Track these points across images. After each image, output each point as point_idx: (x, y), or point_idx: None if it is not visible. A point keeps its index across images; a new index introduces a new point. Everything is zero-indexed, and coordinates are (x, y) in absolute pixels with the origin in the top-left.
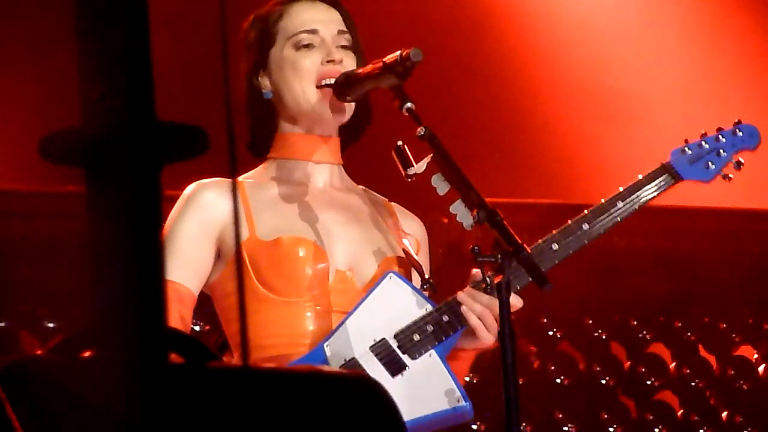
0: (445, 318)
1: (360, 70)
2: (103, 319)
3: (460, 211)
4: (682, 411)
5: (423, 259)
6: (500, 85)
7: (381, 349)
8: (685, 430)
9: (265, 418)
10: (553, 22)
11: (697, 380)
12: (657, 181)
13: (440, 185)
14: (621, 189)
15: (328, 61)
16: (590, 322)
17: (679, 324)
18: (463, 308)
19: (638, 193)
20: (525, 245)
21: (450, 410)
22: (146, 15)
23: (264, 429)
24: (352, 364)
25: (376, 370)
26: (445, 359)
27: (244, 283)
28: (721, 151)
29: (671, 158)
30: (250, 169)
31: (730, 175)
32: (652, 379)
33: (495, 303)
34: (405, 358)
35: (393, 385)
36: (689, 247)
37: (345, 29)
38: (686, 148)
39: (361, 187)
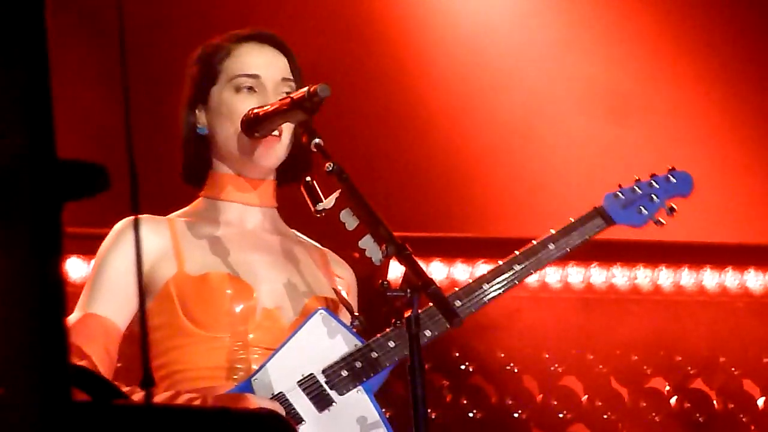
0: (374, 354)
1: (267, 107)
2: (4, 358)
3: (369, 245)
4: None
5: (352, 302)
6: (415, 116)
7: (309, 384)
8: None
9: None
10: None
11: (608, 412)
12: (589, 225)
13: (349, 220)
14: (553, 231)
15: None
16: (502, 355)
17: (591, 357)
18: None
19: (570, 235)
20: (433, 280)
21: None
22: (46, 52)
23: None
24: (279, 398)
25: (303, 404)
26: (372, 395)
27: (154, 318)
28: (654, 196)
29: (604, 202)
30: (177, 204)
31: (662, 221)
32: (565, 412)
33: None
34: (333, 393)
35: (320, 420)
36: (601, 280)
37: (290, 76)
38: (619, 193)
39: (294, 231)
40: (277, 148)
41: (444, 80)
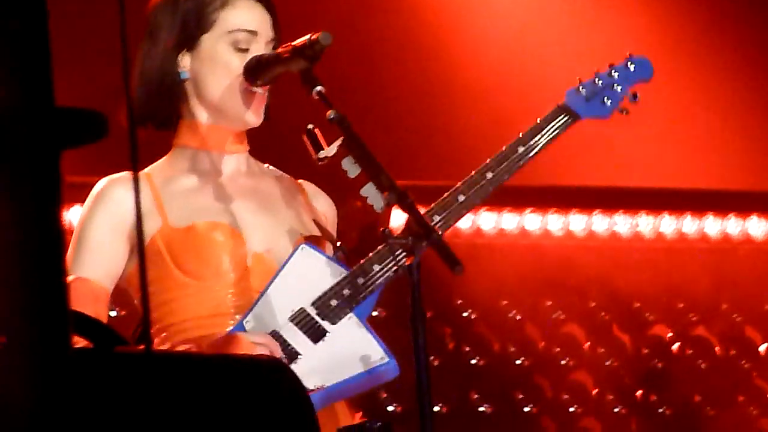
0: (360, 280)
1: (270, 54)
2: (4, 307)
3: (371, 193)
4: (596, 390)
5: (332, 231)
6: (414, 65)
7: (301, 318)
8: (599, 408)
9: (168, 402)
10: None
11: (611, 359)
12: (555, 122)
13: (351, 168)
14: (521, 134)
15: None
16: (505, 303)
17: (594, 304)
18: None
19: (538, 136)
20: (436, 227)
21: (375, 368)
22: (44, 2)
23: (168, 412)
24: (274, 335)
25: (298, 339)
26: (364, 320)
27: (147, 273)
28: (616, 86)
29: (567, 98)
30: (155, 156)
31: (627, 110)
32: (567, 359)
33: None
34: (325, 324)
35: (317, 352)
36: (604, 227)
37: (274, 36)
38: (580, 87)
39: (267, 165)
40: (263, 107)
41: (464, 26)
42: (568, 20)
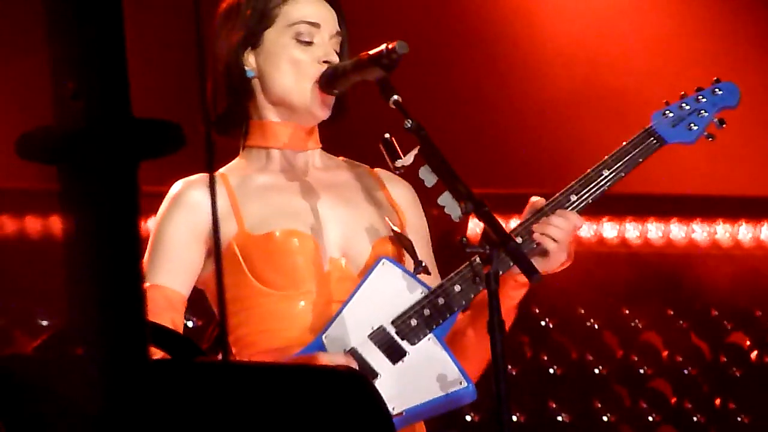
0: (441, 300)
1: (346, 63)
2: (82, 317)
3: (448, 202)
4: (675, 399)
5: (418, 224)
6: (491, 75)
7: (380, 337)
8: (678, 417)
9: (247, 413)
10: (550, 11)
11: (689, 367)
12: (642, 147)
13: (428, 177)
14: (606, 157)
15: (324, 62)
16: (582, 311)
17: (671, 312)
18: (536, 235)
19: (624, 159)
20: (513, 235)
21: (453, 393)
22: (120, 9)
23: (246, 424)
24: (352, 353)
25: (376, 358)
26: (443, 341)
27: (223, 278)
28: (702, 111)
29: (653, 122)
30: (225, 159)
31: (713, 135)
32: (645, 368)
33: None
34: (404, 344)
35: (395, 372)
36: (678, 234)
37: (340, 31)
38: (667, 111)
39: (341, 158)
40: (332, 99)
41: (539, 40)
42: (656, 35)
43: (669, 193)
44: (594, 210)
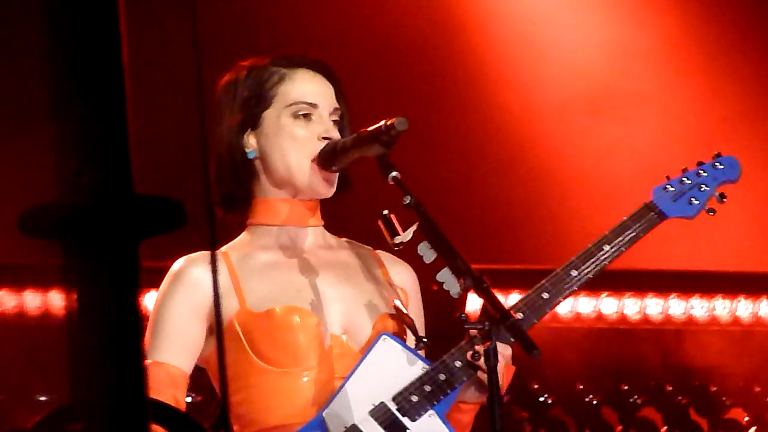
0: (442, 377)
1: (345, 140)
2: (83, 393)
3: (447, 279)
4: None
5: (416, 307)
6: (492, 150)
7: (381, 413)
8: None
9: None
10: (553, 77)
11: None
12: (642, 222)
13: (427, 253)
14: (606, 232)
15: (324, 138)
16: (581, 387)
17: (670, 388)
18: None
19: (624, 234)
20: (515, 308)
21: None
22: (124, 89)
23: None
24: (353, 430)
25: None
26: (445, 417)
27: (225, 356)
28: (703, 185)
29: (653, 196)
30: (225, 237)
31: (714, 209)
32: None
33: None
34: (405, 420)
35: None
36: (680, 310)
37: (338, 106)
38: (668, 185)
39: (344, 239)
40: (335, 176)
41: (524, 105)
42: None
43: (668, 269)
44: (594, 284)
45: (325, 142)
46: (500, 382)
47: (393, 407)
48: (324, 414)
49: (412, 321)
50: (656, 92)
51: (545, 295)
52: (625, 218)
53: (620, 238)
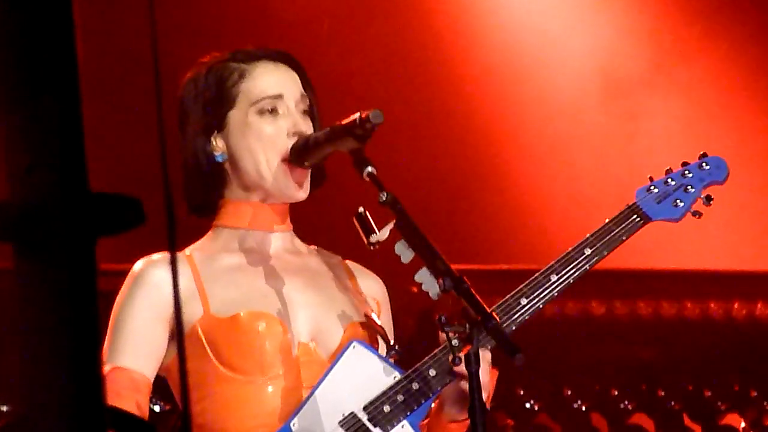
0: (415, 386)
1: (318, 134)
2: (38, 402)
3: (425, 279)
4: None
5: (386, 320)
6: (473, 143)
7: (351, 424)
8: None
9: None
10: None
11: None
12: (625, 224)
13: (404, 253)
14: (588, 236)
15: (294, 133)
16: (569, 392)
17: (663, 393)
18: (463, 383)
19: (606, 238)
20: (494, 314)
21: None
22: (77, 81)
23: None
24: None
25: None
26: (418, 428)
27: (186, 362)
28: (689, 187)
29: (637, 198)
30: (190, 238)
31: (700, 212)
32: None
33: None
34: (377, 431)
35: None
36: (671, 311)
37: (305, 92)
38: (652, 187)
39: (313, 247)
40: (307, 178)
41: (502, 99)
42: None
43: (660, 269)
44: (581, 287)
45: (295, 138)
46: (487, 388)
47: (364, 417)
48: (291, 425)
49: (384, 330)
50: (663, 82)
51: (523, 301)
52: (607, 220)
53: (601, 243)
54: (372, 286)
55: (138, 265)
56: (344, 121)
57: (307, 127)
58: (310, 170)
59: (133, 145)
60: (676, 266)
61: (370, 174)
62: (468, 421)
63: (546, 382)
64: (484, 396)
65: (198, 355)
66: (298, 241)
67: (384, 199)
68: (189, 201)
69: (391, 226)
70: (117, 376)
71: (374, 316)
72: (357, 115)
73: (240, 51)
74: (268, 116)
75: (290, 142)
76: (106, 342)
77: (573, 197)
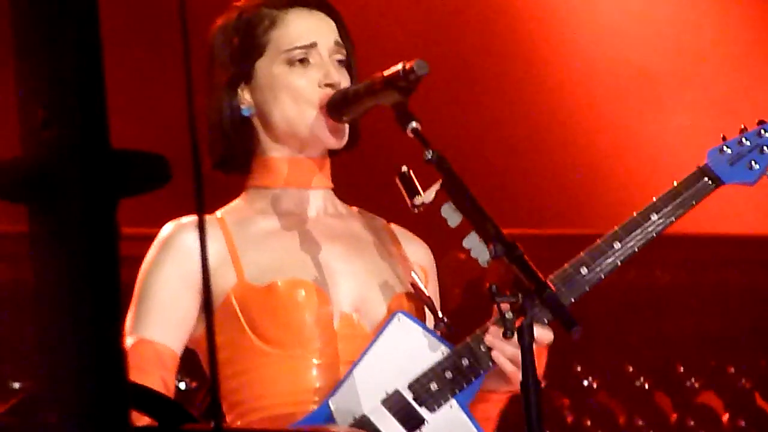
0: (465, 362)
1: (357, 86)
2: (55, 379)
3: (474, 245)
4: None
5: (432, 290)
6: (519, 99)
7: (394, 403)
8: None
9: None
10: (585, 34)
11: None
12: (695, 188)
13: (451, 216)
14: (654, 199)
15: (326, 84)
16: (631, 369)
17: (733, 370)
18: (494, 353)
19: (674, 202)
20: (549, 282)
21: None
22: (98, 33)
23: None
24: (363, 422)
25: (390, 427)
26: (468, 409)
27: (218, 336)
28: (766, 147)
29: (708, 159)
30: (223, 199)
31: None
32: None
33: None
34: (423, 411)
35: None
36: (741, 279)
37: (341, 41)
38: (725, 147)
39: (355, 208)
40: (344, 127)
41: (575, 68)
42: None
43: (729, 233)
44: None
45: (327, 89)
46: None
47: (409, 396)
48: (330, 403)
49: (431, 300)
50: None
51: (583, 270)
52: (675, 183)
53: (670, 207)
54: (418, 253)
55: (166, 228)
56: (386, 72)
57: (341, 78)
58: (347, 125)
59: (160, 100)
60: (747, 231)
61: (414, 130)
62: (508, 396)
63: (606, 358)
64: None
65: (232, 327)
66: (338, 202)
67: (429, 157)
68: (213, 156)
69: (437, 186)
70: (142, 349)
71: (421, 286)
72: (400, 65)
73: None
74: (298, 67)
75: (323, 93)
76: (130, 312)
77: (648, 160)
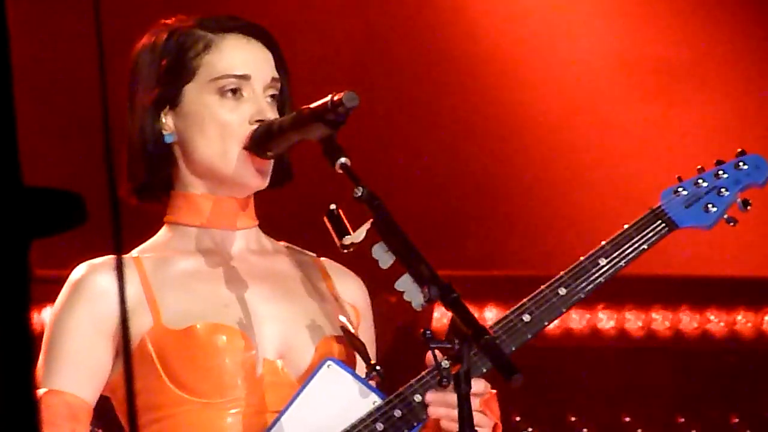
0: (397, 413)
1: (283, 119)
2: None
3: (407, 287)
4: None
5: (366, 330)
6: (461, 133)
7: None
8: None
9: None
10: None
11: None
12: (647, 232)
13: (383, 257)
14: (603, 243)
15: (257, 121)
16: (573, 419)
17: (683, 420)
18: (429, 404)
19: (625, 247)
20: (487, 327)
21: None
22: (8, 59)
23: None
24: None
25: None
26: None
27: (134, 381)
28: (723, 189)
29: (662, 201)
30: (138, 237)
31: (735, 219)
32: None
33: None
34: None
35: None
36: (692, 328)
37: (277, 76)
38: (680, 188)
39: (283, 243)
40: (269, 165)
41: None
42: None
43: (681, 274)
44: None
45: (257, 125)
46: (487, 414)
47: None
48: None
49: (363, 345)
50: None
51: (526, 318)
52: (626, 226)
53: (620, 252)
54: (351, 290)
55: (78, 270)
56: (313, 105)
57: (273, 116)
58: (272, 161)
59: (76, 137)
60: (699, 272)
61: (343, 165)
62: None
63: (547, 408)
64: (491, 424)
65: (148, 372)
66: (264, 239)
67: (359, 194)
68: (130, 181)
69: (368, 225)
70: (52, 400)
71: (351, 330)
72: (328, 97)
73: (210, 18)
74: (230, 99)
75: (251, 130)
76: (40, 361)
77: (600, 200)
